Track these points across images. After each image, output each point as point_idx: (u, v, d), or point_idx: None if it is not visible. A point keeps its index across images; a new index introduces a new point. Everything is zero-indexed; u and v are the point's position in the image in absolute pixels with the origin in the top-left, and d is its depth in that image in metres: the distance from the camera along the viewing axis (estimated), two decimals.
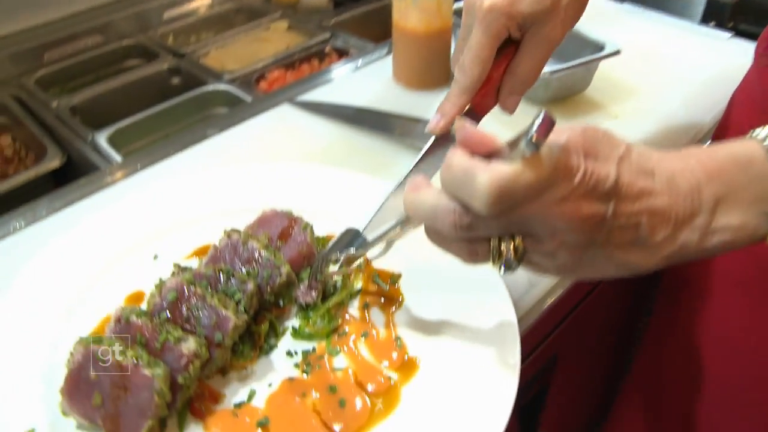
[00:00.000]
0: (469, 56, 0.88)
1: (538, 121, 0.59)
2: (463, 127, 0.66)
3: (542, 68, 0.93)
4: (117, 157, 1.48)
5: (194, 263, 1.04)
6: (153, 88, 1.85)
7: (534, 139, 0.59)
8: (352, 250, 0.92)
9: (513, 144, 0.63)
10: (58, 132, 1.62)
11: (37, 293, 1.00)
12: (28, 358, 0.92)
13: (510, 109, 0.95)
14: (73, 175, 1.43)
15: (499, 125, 1.42)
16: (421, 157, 0.91)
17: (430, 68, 1.51)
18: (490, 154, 0.65)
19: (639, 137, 1.36)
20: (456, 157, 0.65)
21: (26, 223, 1.20)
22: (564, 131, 0.63)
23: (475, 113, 0.93)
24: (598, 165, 0.63)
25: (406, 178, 0.90)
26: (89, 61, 1.94)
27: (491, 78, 0.91)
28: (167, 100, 1.69)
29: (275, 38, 2.03)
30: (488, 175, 0.61)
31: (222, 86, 1.73)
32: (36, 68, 1.86)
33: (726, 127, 1.22)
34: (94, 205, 1.22)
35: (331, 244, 0.97)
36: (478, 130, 0.66)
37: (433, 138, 0.91)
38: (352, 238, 0.94)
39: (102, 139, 1.55)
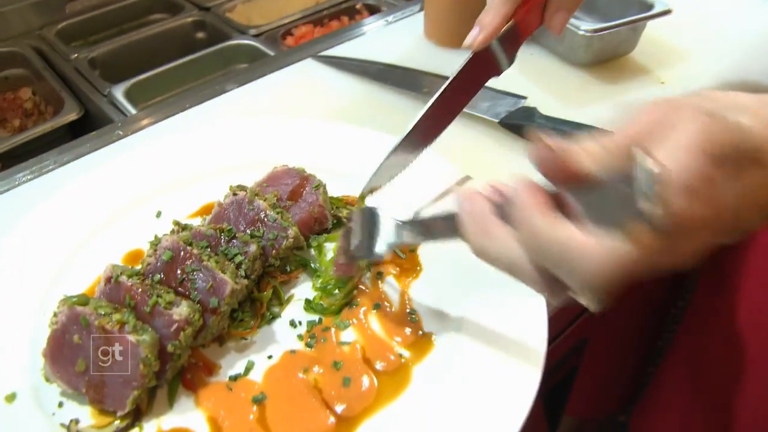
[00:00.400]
0: None
1: (645, 180, 0.46)
2: (541, 142, 0.54)
3: None
4: (133, 111, 1.42)
5: (199, 222, 0.97)
6: (176, 42, 1.77)
7: (646, 207, 0.46)
8: (395, 241, 0.78)
9: (606, 166, 0.51)
10: (76, 85, 1.56)
11: (31, 249, 0.93)
12: (16, 317, 0.85)
13: (557, 29, 0.84)
14: (90, 129, 1.37)
15: (529, 83, 1.35)
16: (452, 80, 0.82)
17: (464, 25, 1.39)
18: (572, 178, 0.54)
19: None
20: (543, 225, 0.52)
21: (33, 176, 1.14)
22: (678, 150, 0.48)
23: (518, 31, 0.83)
24: (723, 196, 0.50)
25: (430, 105, 0.84)
26: (112, 14, 1.87)
27: None
28: (191, 54, 1.62)
29: None
30: (596, 265, 0.49)
31: (246, 41, 1.65)
32: (58, 20, 1.80)
33: None
34: (103, 159, 1.15)
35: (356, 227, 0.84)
36: (559, 146, 0.53)
37: (467, 59, 0.81)
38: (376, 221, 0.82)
39: (119, 92, 1.48)
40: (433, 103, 0.82)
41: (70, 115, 1.46)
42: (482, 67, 0.83)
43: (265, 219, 0.88)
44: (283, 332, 0.85)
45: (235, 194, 0.91)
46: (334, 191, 1.00)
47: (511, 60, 0.88)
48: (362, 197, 0.97)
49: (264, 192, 0.93)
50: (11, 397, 0.76)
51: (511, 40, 0.83)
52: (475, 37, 0.79)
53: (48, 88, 1.60)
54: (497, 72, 0.89)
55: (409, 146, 0.86)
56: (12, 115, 1.65)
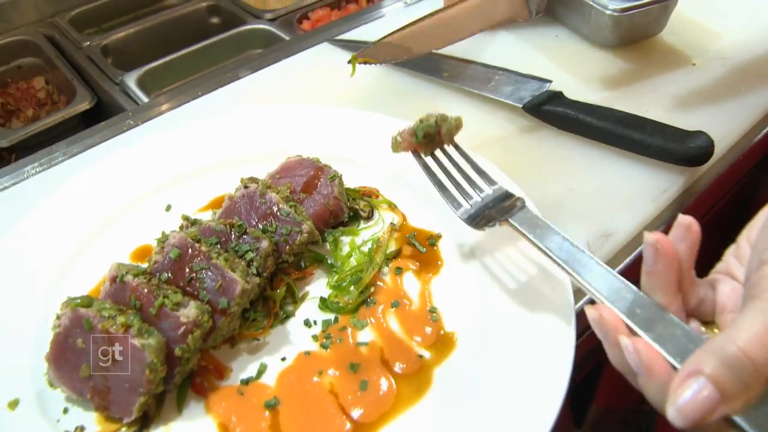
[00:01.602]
0: None
1: None
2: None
3: None
4: (145, 100, 1.38)
5: (210, 215, 0.93)
6: (190, 28, 1.73)
7: None
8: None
9: None
10: (89, 73, 1.53)
11: (36, 246, 0.90)
12: (20, 318, 0.82)
13: None
14: (103, 117, 1.34)
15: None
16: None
17: None
18: None
19: (719, 88, 1.19)
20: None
21: (42, 168, 1.10)
22: None
23: None
24: None
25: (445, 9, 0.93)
26: (126, 0, 1.83)
27: None
28: (204, 40, 1.58)
29: None
30: None
31: (261, 26, 1.61)
32: (71, 7, 1.76)
33: None
34: (113, 150, 1.10)
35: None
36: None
37: None
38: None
39: (131, 80, 1.45)
40: (450, 9, 0.81)
41: (82, 104, 1.43)
42: (512, 5, 0.82)
43: (278, 213, 0.84)
44: (298, 332, 0.81)
45: (246, 187, 0.87)
46: (350, 182, 0.96)
47: (539, 9, 0.86)
48: (354, 59, 0.99)
49: (277, 184, 0.89)
50: (14, 404, 0.73)
51: None
52: None
53: (61, 77, 1.58)
54: (525, 16, 0.88)
55: (411, 39, 0.85)
56: (25, 104, 1.63)
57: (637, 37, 1.30)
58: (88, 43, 1.60)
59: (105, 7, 1.80)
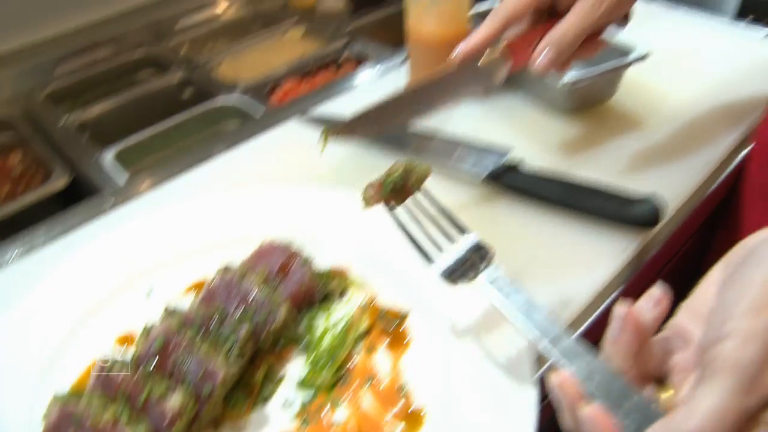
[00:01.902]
0: None
1: None
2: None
3: (584, 28, 0.90)
4: (122, 177, 1.42)
5: (191, 299, 0.97)
6: (164, 102, 1.79)
7: None
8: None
9: None
10: (65, 150, 1.57)
11: (20, 337, 0.93)
12: (8, 415, 0.85)
13: (539, 67, 0.92)
14: (81, 193, 1.38)
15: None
16: (435, 80, 0.94)
17: None
18: None
19: (669, 149, 1.26)
20: None
21: (23, 252, 1.14)
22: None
23: (506, 59, 0.94)
24: None
25: (404, 90, 0.99)
26: (100, 75, 1.89)
27: (532, 34, 0.92)
28: (178, 114, 1.63)
29: (291, 46, 1.96)
30: None
31: (232, 100, 1.66)
32: (46, 83, 1.81)
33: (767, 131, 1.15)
34: (93, 233, 1.15)
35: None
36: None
37: (453, 69, 0.92)
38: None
39: (108, 157, 1.49)
40: (412, 87, 0.89)
41: (59, 182, 1.45)
42: (467, 83, 0.88)
43: (255, 299, 0.89)
44: (277, 413, 0.85)
45: (223, 275, 0.92)
46: (322, 260, 1.01)
47: (498, 84, 0.97)
48: (324, 139, 1.04)
49: (252, 270, 0.93)
50: None
51: (498, 66, 0.93)
52: (462, 48, 0.89)
53: (36, 154, 1.60)
54: (484, 92, 0.95)
55: (376, 118, 0.99)
56: (1, 182, 1.65)
57: (591, 103, 1.38)
58: (65, 118, 1.64)
59: (80, 83, 1.85)
